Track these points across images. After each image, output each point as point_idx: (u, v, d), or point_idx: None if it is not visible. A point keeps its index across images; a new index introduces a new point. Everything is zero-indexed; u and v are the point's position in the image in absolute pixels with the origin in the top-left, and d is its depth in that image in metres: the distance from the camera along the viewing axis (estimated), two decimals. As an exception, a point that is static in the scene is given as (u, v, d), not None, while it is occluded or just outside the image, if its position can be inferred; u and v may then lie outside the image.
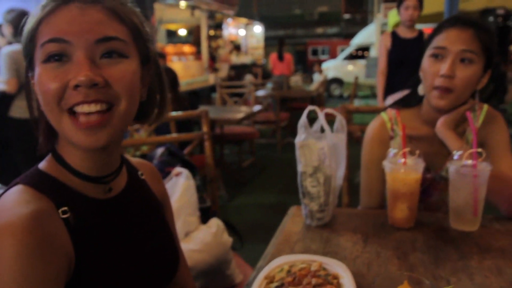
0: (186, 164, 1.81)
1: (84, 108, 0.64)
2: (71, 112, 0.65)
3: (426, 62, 1.23)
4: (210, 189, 1.99)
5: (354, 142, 1.90)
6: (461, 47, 1.16)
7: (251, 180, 4.81)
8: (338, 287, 0.84)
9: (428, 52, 1.23)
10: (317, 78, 8.59)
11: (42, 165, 0.73)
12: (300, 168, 1.21)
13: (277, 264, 0.94)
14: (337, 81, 13.95)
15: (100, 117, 0.65)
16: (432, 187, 1.37)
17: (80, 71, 0.63)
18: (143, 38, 0.74)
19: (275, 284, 0.86)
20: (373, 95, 10.81)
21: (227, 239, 1.53)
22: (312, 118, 1.18)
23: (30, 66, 0.70)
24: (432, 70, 1.20)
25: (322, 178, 1.19)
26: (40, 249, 0.60)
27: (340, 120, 1.26)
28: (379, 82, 3.66)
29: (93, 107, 0.65)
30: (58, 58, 0.65)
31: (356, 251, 1.05)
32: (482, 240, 1.09)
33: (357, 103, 9.81)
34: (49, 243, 0.62)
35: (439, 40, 1.20)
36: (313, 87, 7.79)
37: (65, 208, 0.68)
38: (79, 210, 0.70)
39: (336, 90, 13.95)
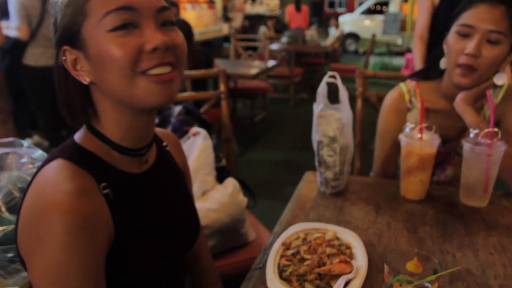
0: (203, 123, 1.85)
1: (159, 70, 0.68)
2: (144, 74, 0.68)
3: (452, 38, 1.22)
4: (226, 148, 2.03)
5: (370, 107, 1.91)
6: (489, 27, 1.14)
7: (263, 135, 4.85)
8: (350, 257, 0.89)
9: (455, 28, 1.22)
10: (333, 32, 8.39)
11: (78, 138, 0.75)
12: (317, 137, 1.25)
13: (293, 231, 1.00)
14: (353, 36, 13.62)
15: (169, 74, 0.70)
16: (447, 162, 1.41)
17: (155, 36, 0.67)
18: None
19: (291, 251, 0.92)
20: (389, 53, 10.58)
21: (243, 199, 1.59)
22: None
23: (72, 40, 0.69)
24: (457, 47, 1.19)
25: (338, 148, 1.22)
26: (86, 224, 0.64)
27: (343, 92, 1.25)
28: (416, 51, 2.49)
29: (165, 69, 0.69)
30: (125, 25, 0.67)
31: (368, 221, 1.11)
32: (489, 216, 1.14)
33: (372, 60, 9.64)
34: (94, 218, 0.66)
35: (468, 17, 1.18)
36: (328, 42, 7.64)
37: (105, 183, 0.71)
38: (117, 185, 0.74)
39: (351, 45, 13.65)
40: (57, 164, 0.69)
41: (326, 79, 1.25)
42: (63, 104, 0.75)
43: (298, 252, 0.90)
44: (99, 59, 0.67)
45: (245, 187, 1.83)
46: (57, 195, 0.64)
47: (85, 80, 0.71)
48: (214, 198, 1.52)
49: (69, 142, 0.75)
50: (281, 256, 0.91)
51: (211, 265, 1.10)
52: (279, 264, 0.88)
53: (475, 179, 1.17)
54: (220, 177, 1.71)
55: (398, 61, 10.02)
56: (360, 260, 0.88)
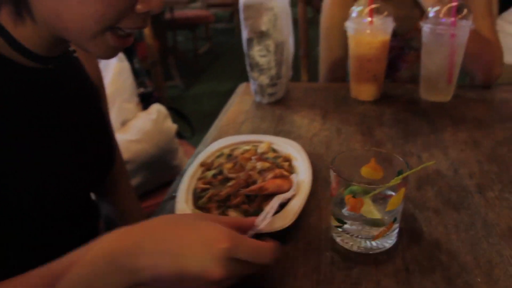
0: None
1: (132, 30, 0.55)
2: (113, 29, 0.53)
3: None
4: (153, 73, 1.76)
5: (314, 12, 1.67)
6: None
7: (208, 68, 4.55)
8: (289, 171, 0.68)
9: None
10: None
11: None
12: (245, 34, 1.00)
13: (216, 148, 0.77)
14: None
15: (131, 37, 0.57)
16: (401, 59, 1.20)
17: None
18: None
19: (213, 172, 0.69)
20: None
21: (170, 125, 1.34)
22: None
23: None
24: None
25: (272, 46, 0.99)
26: None
27: None
28: None
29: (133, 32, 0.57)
30: None
31: (314, 128, 0.89)
32: (455, 110, 0.96)
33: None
34: None
35: None
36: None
37: None
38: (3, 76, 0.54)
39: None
40: None
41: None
42: None
43: (220, 172, 0.68)
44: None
45: (178, 114, 1.60)
46: None
47: None
48: (135, 128, 1.26)
49: None
50: (199, 180, 0.68)
51: (130, 190, 0.91)
52: (194, 190, 0.66)
53: (437, 67, 0.97)
54: (146, 105, 1.46)
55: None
56: (302, 173, 0.67)
